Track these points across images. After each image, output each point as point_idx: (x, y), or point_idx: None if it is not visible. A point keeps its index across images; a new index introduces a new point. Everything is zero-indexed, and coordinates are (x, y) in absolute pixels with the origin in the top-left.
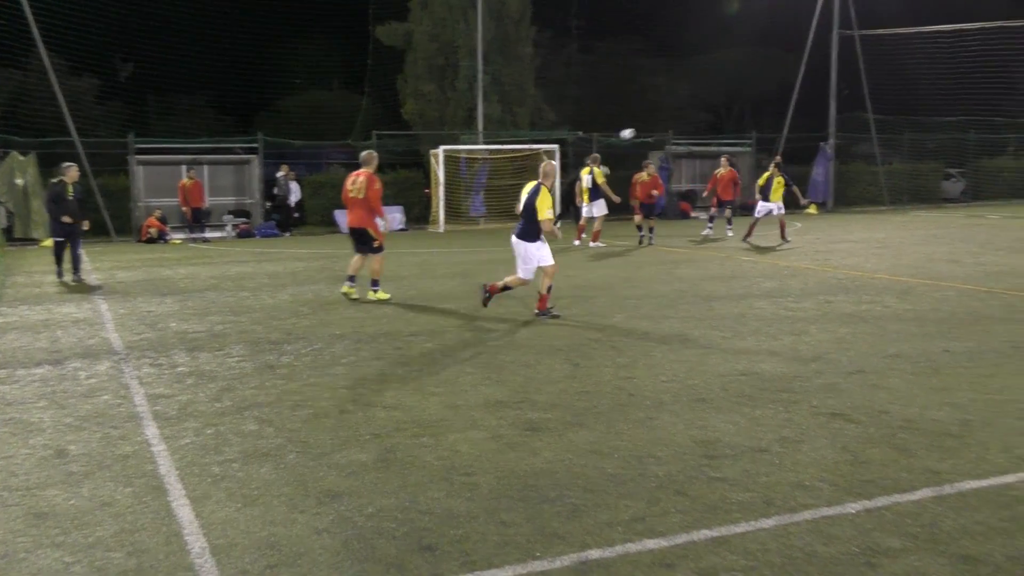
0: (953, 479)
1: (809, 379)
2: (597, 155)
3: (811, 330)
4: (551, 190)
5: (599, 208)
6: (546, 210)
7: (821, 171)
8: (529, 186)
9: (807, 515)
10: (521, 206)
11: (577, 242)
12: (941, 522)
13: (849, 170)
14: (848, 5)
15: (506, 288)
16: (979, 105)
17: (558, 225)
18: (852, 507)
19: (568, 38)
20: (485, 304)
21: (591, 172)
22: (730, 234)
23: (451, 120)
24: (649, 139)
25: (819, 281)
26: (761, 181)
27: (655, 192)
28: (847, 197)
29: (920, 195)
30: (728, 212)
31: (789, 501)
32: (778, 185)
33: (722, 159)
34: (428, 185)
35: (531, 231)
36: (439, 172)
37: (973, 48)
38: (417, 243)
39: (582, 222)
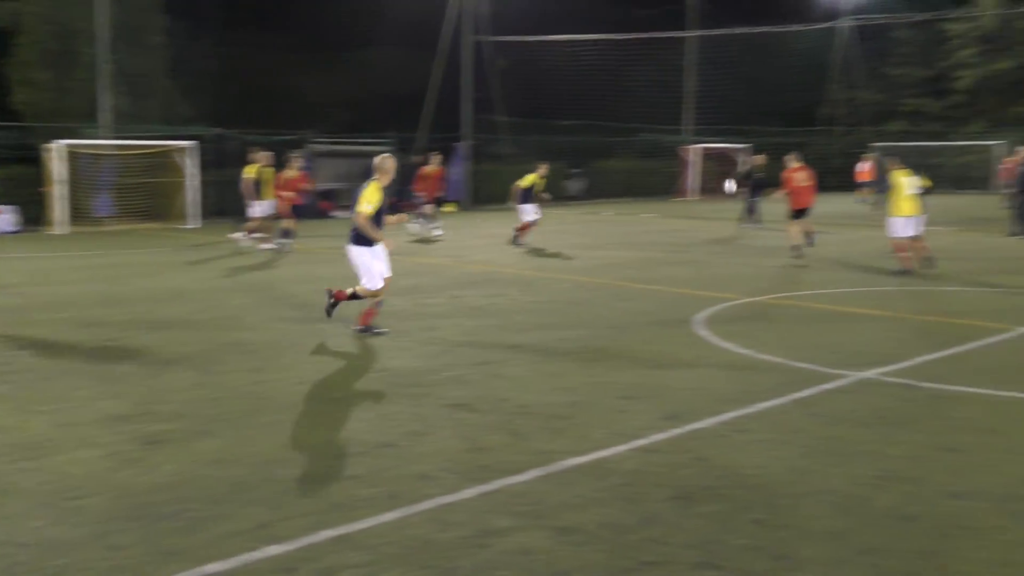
0: (559, 458)
1: (438, 372)
2: (269, 153)
3: (442, 324)
4: (384, 187)
5: (263, 207)
6: (364, 204)
7: (457, 171)
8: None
9: (427, 504)
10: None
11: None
12: (546, 498)
13: (483, 170)
14: (480, 12)
15: (355, 296)
16: (595, 109)
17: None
18: (469, 492)
19: (206, 29)
20: (328, 313)
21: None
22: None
23: (70, 112)
24: (288, 137)
25: (452, 277)
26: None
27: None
28: (481, 196)
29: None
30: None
31: (412, 493)
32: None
33: (432, 157)
34: (44, 183)
35: (362, 234)
36: (58, 169)
37: (588, 57)
38: (33, 246)
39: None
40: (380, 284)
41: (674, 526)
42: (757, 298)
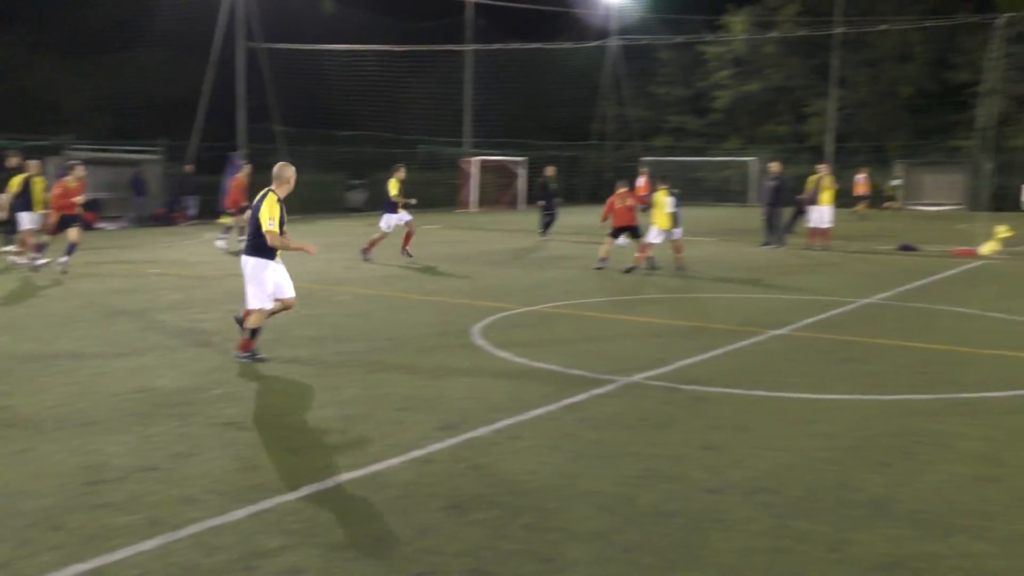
0: (334, 473)
1: (208, 390)
2: (38, 161)
3: (214, 341)
4: (280, 198)
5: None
6: (267, 220)
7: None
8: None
9: (193, 529)
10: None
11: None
12: (319, 515)
13: (261, 180)
14: (254, 18)
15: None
16: (374, 121)
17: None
18: (238, 514)
19: None
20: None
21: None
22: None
23: None
24: (44, 143)
25: (225, 291)
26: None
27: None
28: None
29: (327, 205)
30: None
31: (175, 518)
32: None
33: (244, 165)
34: None
35: (261, 246)
36: None
37: (367, 68)
38: None
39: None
40: (268, 304)
41: (448, 535)
42: (533, 307)
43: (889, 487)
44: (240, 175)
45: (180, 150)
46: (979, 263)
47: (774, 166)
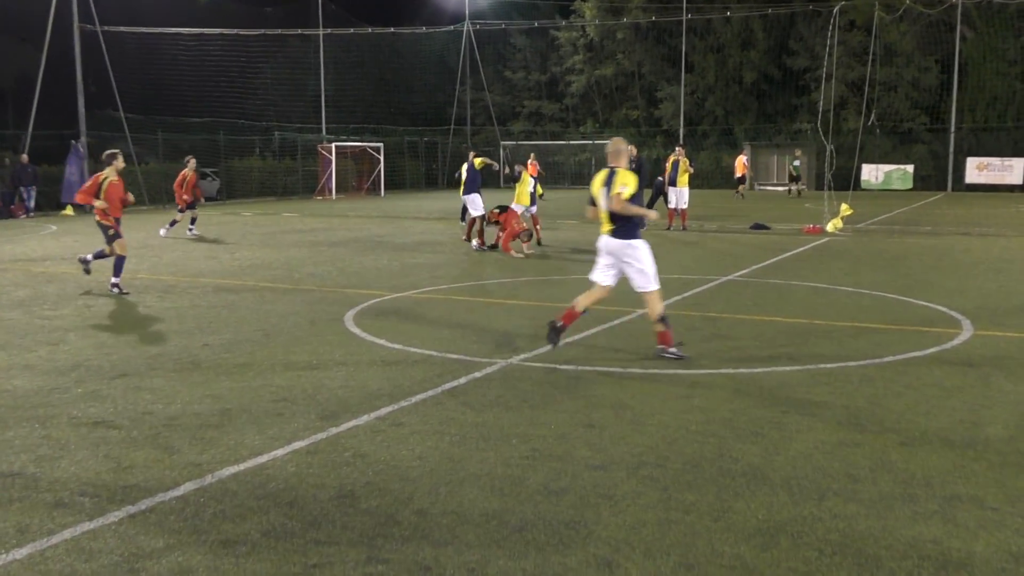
0: (214, 468)
1: (69, 389)
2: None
3: (70, 337)
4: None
5: None
6: (620, 186)
7: (75, 170)
8: (623, 172)
9: (67, 534)
10: (607, 191)
11: None
12: (203, 512)
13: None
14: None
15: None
16: (225, 107)
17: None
18: (115, 516)
19: None
20: (555, 342)
21: None
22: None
23: None
24: None
25: (79, 285)
26: None
27: None
28: None
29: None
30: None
31: (47, 524)
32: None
33: (189, 160)
34: None
35: (632, 227)
36: None
37: (215, 53)
38: None
39: None
40: (657, 285)
41: (339, 525)
42: (403, 293)
43: (764, 456)
44: (186, 170)
45: (14, 139)
46: (826, 239)
47: (632, 149)
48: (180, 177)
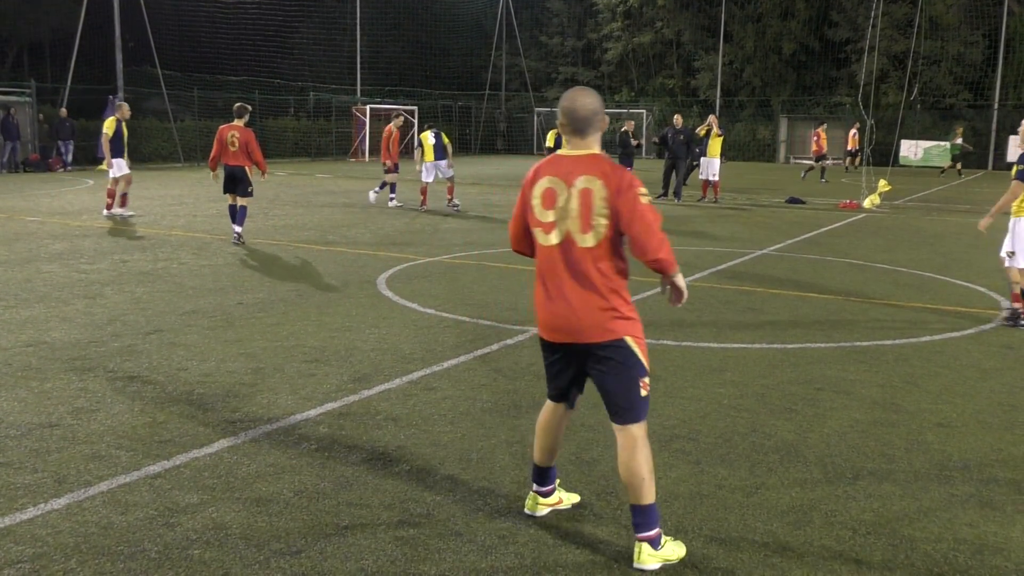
0: (248, 427)
1: (105, 343)
2: None
3: (106, 292)
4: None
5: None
6: None
7: None
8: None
9: (103, 487)
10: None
11: None
12: (236, 470)
13: (142, 126)
14: None
15: None
16: (261, 66)
17: None
18: (151, 470)
19: None
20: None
21: None
22: None
23: None
24: None
25: (115, 240)
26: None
27: None
28: (141, 153)
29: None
30: None
31: (83, 475)
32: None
33: (397, 116)
34: None
35: None
36: None
37: (252, 11)
38: None
39: None
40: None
41: (371, 487)
42: (435, 258)
43: (797, 433)
44: (391, 125)
45: (52, 93)
46: (862, 216)
47: (678, 119)
48: (386, 133)
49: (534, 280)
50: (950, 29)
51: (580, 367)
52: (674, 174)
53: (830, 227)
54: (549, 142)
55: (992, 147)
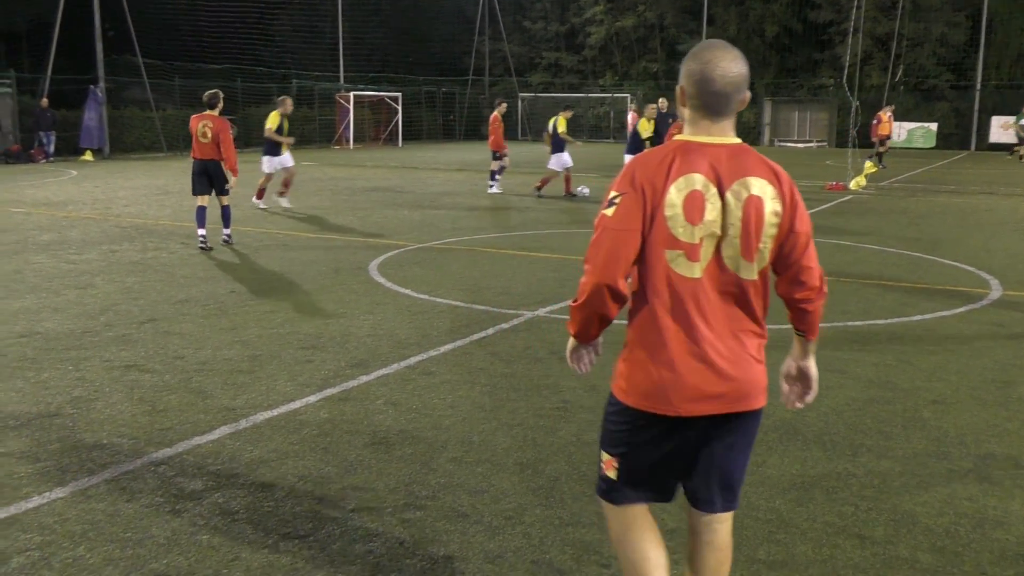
0: (247, 413)
1: (99, 333)
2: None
3: (97, 282)
4: None
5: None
6: None
7: (94, 116)
8: None
9: (107, 474)
10: None
11: None
12: (239, 456)
13: (123, 115)
14: None
15: None
16: (243, 54)
17: None
18: (154, 457)
19: None
20: None
21: None
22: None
23: None
24: None
25: (102, 231)
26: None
27: None
28: (123, 143)
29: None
30: None
31: (86, 464)
32: None
33: (500, 103)
34: None
35: None
36: None
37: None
38: None
39: None
40: None
41: (375, 472)
42: (426, 244)
43: (795, 412)
44: (496, 112)
45: (32, 83)
46: (848, 197)
47: (663, 102)
48: (492, 119)
49: (640, 324)
50: (933, 10)
51: (695, 444)
52: None
53: (818, 208)
54: (646, 130)
55: (975, 128)
